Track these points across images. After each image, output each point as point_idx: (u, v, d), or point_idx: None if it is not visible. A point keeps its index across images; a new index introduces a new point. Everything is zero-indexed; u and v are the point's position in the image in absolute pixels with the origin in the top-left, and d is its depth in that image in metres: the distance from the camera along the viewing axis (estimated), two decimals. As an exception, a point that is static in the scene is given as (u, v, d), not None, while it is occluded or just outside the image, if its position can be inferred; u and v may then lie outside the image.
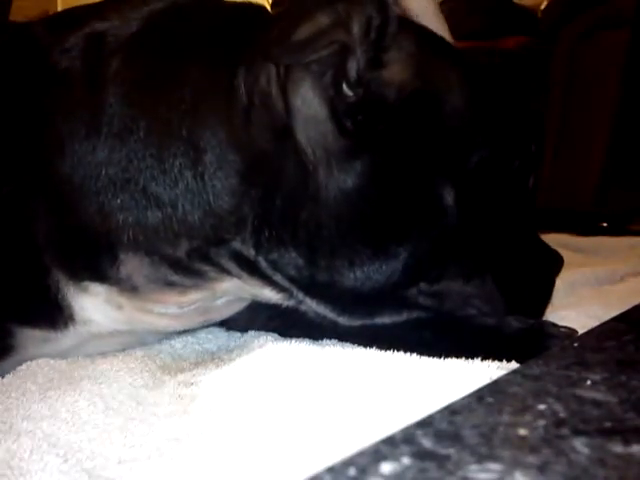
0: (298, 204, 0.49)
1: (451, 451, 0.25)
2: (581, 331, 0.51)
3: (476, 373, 0.47)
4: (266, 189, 0.50)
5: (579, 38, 1.91)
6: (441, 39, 0.58)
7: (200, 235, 0.51)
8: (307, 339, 0.59)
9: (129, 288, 0.53)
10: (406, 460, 0.25)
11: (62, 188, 0.51)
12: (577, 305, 0.72)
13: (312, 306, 0.54)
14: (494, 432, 0.27)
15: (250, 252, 0.51)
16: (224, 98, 0.50)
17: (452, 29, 0.89)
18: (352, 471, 0.24)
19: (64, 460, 0.39)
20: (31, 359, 0.55)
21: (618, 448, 0.26)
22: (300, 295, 0.53)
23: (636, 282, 0.89)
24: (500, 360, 0.50)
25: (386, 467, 0.24)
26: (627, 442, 0.26)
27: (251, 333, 0.63)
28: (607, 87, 1.82)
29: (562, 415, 0.29)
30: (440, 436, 0.27)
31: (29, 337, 0.54)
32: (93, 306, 0.54)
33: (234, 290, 0.56)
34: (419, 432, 0.27)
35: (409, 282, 0.52)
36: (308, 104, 0.49)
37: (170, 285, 0.53)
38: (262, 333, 0.62)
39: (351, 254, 0.50)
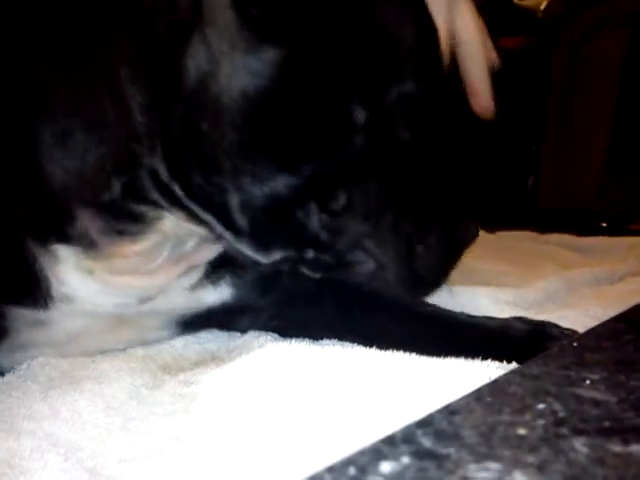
0: (199, 110, 0.47)
1: (451, 450, 0.26)
2: (580, 331, 0.51)
3: (475, 373, 0.47)
4: (168, 98, 0.48)
5: (579, 38, 1.91)
6: None
7: (125, 167, 0.50)
8: (307, 339, 0.59)
9: (89, 244, 0.53)
10: (406, 459, 0.25)
11: (24, 152, 0.52)
12: (576, 305, 0.72)
13: (230, 240, 0.52)
14: (493, 432, 0.27)
15: (165, 177, 0.50)
16: (130, 16, 0.49)
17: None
18: (352, 470, 0.24)
19: (65, 459, 0.40)
20: (26, 345, 0.56)
21: (617, 447, 0.26)
22: (218, 227, 0.51)
23: (635, 282, 0.89)
24: (501, 361, 0.50)
25: (386, 466, 0.24)
26: (626, 441, 0.27)
27: (251, 333, 0.63)
28: (607, 87, 1.82)
29: (561, 415, 0.29)
30: (440, 436, 0.27)
31: (19, 318, 0.55)
32: (66, 275, 0.54)
33: (175, 228, 0.54)
34: (419, 432, 0.27)
35: (310, 198, 0.49)
36: None
37: (120, 234, 0.53)
38: (262, 333, 0.63)
39: (254, 168, 0.47)
